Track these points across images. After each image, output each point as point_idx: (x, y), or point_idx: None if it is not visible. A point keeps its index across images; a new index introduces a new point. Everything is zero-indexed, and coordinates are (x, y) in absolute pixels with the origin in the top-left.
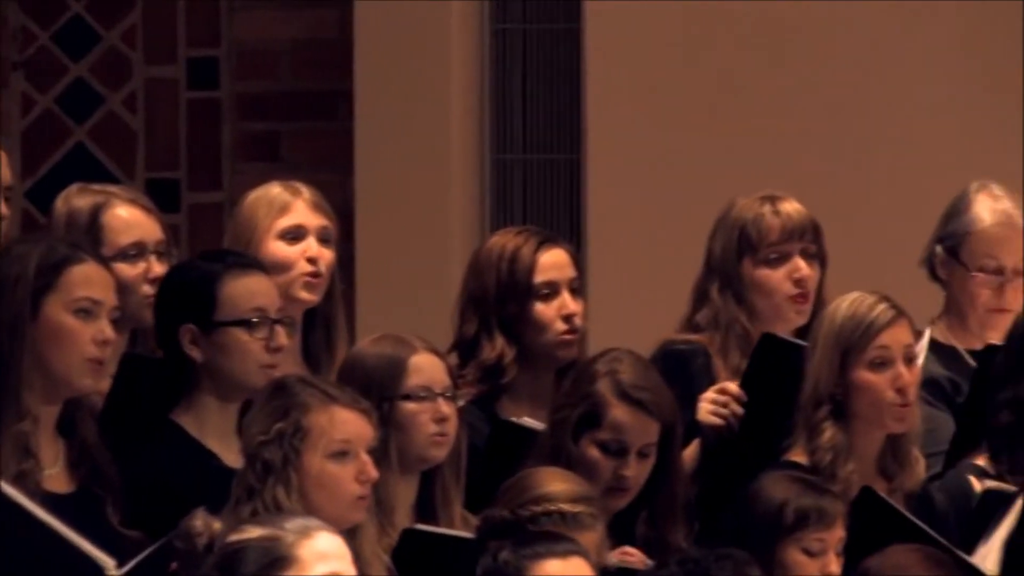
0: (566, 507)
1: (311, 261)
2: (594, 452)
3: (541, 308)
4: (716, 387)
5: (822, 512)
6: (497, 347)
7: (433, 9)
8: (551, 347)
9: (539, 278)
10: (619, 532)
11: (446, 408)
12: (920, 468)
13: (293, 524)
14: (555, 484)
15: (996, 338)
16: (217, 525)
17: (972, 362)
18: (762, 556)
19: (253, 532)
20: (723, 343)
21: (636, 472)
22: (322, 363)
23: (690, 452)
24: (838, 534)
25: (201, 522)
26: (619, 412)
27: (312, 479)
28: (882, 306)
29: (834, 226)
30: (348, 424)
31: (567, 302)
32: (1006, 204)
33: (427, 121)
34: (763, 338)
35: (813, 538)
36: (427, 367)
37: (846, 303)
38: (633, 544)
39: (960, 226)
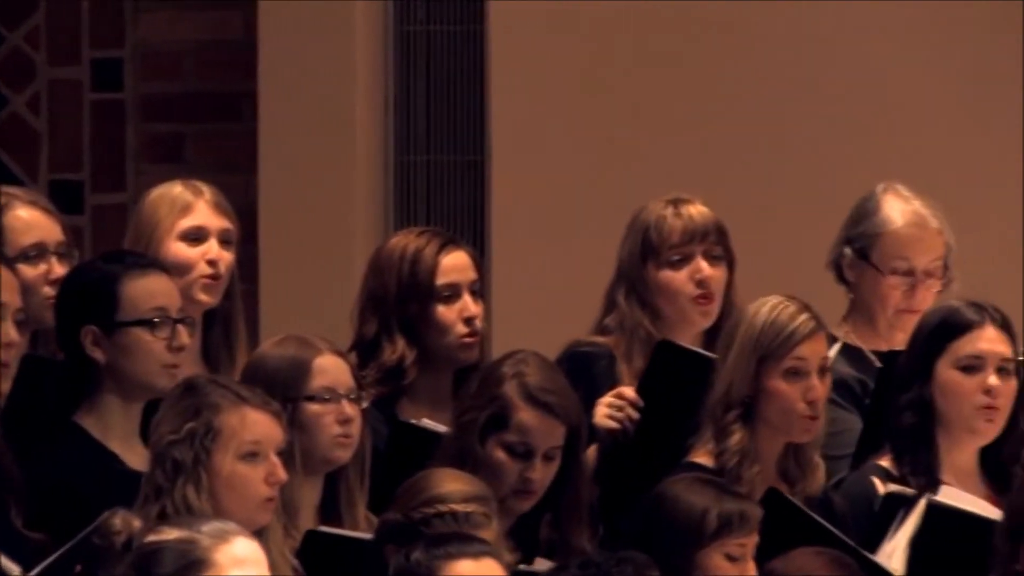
0: (458, 507)
1: (211, 263)
2: (500, 454)
3: (442, 310)
4: (613, 392)
5: (744, 517)
6: (397, 348)
7: (337, 11)
8: (452, 349)
9: (441, 280)
10: (523, 535)
11: (350, 410)
12: (821, 474)
13: (210, 528)
14: (448, 485)
15: (904, 339)
16: (136, 523)
17: (878, 363)
18: (679, 562)
19: (170, 534)
20: (627, 347)
21: (542, 475)
22: (222, 363)
23: (589, 455)
24: (755, 539)
25: (120, 520)
26: (525, 415)
27: (222, 480)
28: (803, 316)
29: (743, 228)
30: (259, 425)
31: (468, 304)
32: (916, 205)
33: (331, 122)
34: (660, 345)
35: (735, 543)
36: (331, 369)
37: (766, 308)
38: (536, 548)
39: (870, 227)
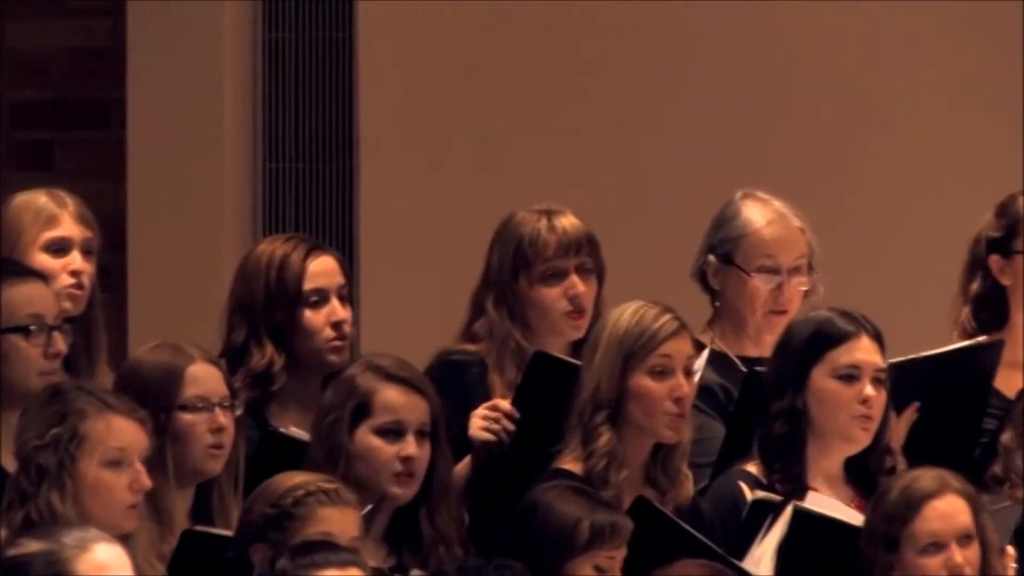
0: (325, 485)
1: (74, 274)
2: (373, 440)
3: (310, 315)
4: (488, 404)
5: (616, 529)
6: (266, 354)
7: (206, 18)
8: (320, 354)
9: (308, 285)
10: (401, 534)
11: (223, 418)
12: (689, 484)
13: (71, 537)
14: (301, 476)
15: (773, 342)
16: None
17: (743, 368)
18: (549, 571)
19: (31, 546)
20: (498, 357)
21: (418, 452)
22: (81, 371)
23: (462, 467)
24: (624, 552)
25: None
26: (388, 393)
27: (87, 486)
28: (666, 317)
29: (611, 236)
30: (125, 433)
31: (336, 309)
32: (776, 205)
33: (200, 130)
34: (535, 356)
35: (605, 555)
36: (204, 377)
37: (630, 311)
38: (420, 544)
39: (733, 231)
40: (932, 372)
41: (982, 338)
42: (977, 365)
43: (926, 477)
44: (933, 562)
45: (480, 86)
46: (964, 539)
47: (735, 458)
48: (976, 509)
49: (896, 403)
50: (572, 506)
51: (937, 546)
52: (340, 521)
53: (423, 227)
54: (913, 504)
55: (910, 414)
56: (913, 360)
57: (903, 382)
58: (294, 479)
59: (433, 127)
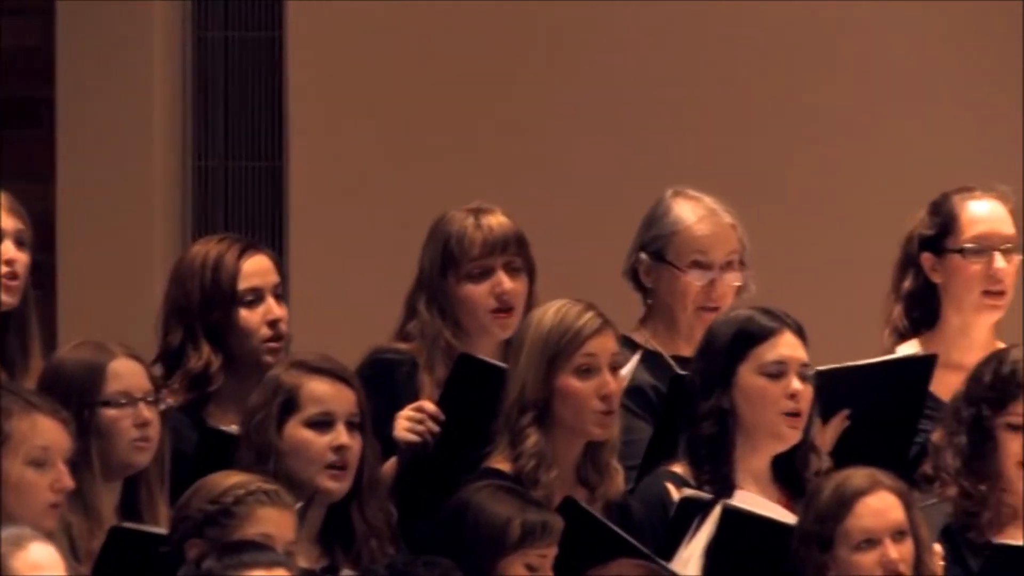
0: (265, 485)
1: (8, 263)
2: (303, 432)
3: (246, 315)
4: (413, 405)
5: (546, 528)
6: (203, 355)
7: (135, 17)
8: (257, 353)
9: (243, 285)
10: (334, 532)
11: (147, 413)
12: (619, 479)
13: (7, 534)
14: (240, 475)
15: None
16: None
17: (676, 368)
18: (480, 570)
19: None
20: (429, 356)
21: (351, 442)
22: (17, 366)
23: (388, 468)
24: (555, 550)
25: None
26: (314, 384)
27: (9, 485)
28: (589, 314)
29: (541, 235)
30: (48, 432)
31: (272, 307)
32: (707, 201)
33: (129, 129)
34: (460, 358)
35: (536, 554)
36: (126, 373)
37: (552, 310)
38: (352, 540)
39: (664, 228)
40: (863, 382)
41: (915, 352)
42: (910, 378)
43: (858, 475)
44: (867, 559)
45: (409, 85)
46: (897, 535)
47: (660, 460)
48: (908, 505)
49: (824, 410)
50: (503, 505)
51: (871, 543)
52: (278, 522)
53: (353, 226)
54: (845, 502)
55: (839, 422)
56: (842, 368)
57: (832, 389)
58: (234, 478)
59: (363, 126)
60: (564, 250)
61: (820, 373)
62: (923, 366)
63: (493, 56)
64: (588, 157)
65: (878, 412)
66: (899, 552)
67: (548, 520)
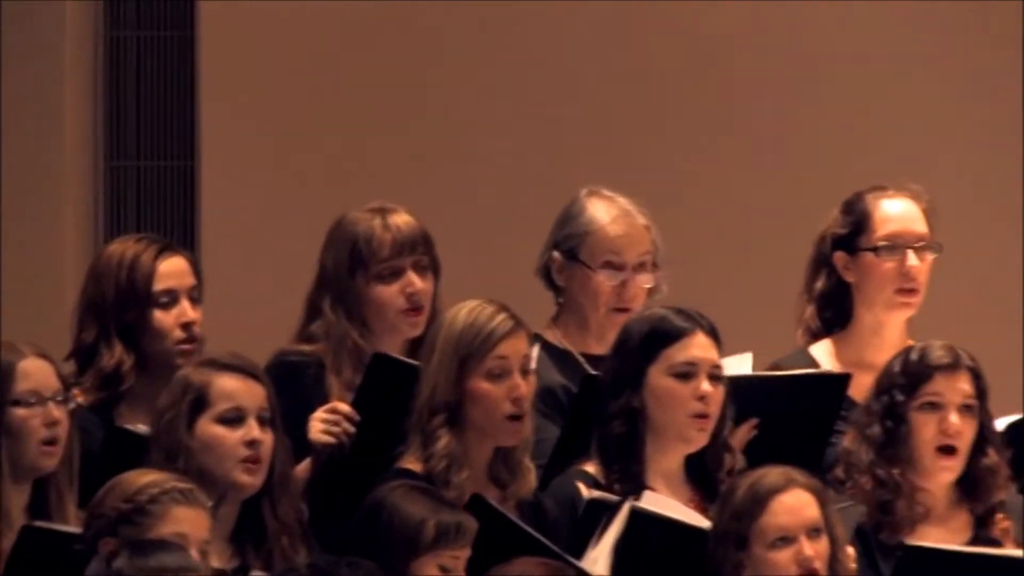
0: (180, 484)
1: None
2: (215, 429)
3: (160, 316)
4: (327, 407)
5: (460, 529)
6: (115, 354)
7: (47, 15)
8: (170, 355)
9: (158, 286)
10: (246, 530)
11: (56, 412)
12: (531, 477)
13: None
14: (156, 474)
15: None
16: None
17: (587, 366)
18: (394, 570)
19: None
20: (335, 357)
21: (263, 436)
22: None
23: (302, 469)
24: (468, 552)
25: None
26: (224, 381)
27: None
28: (501, 316)
29: (448, 235)
30: None
31: (186, 310)
32: (621, 202)
33: (41, 128)
34: (374, 358)
35: (449, 555)
36: (35, 372)
37: (464, 311)
38: (263, 537)
39: (578, 227)
40: (775, 393)
41: (830, 370)
42: (822, 394)
43: (772, 473)
44: (783, 556)
45: (320, 85)
46: (813, 532)
47: (571, 459)
48: (823, 503)
49: (735, 416)
50: (417, 506)
51: (786, 540)
52: (192, 521)
53: (265, 226)
54: (760, 500)
55: (747, 430)
56: (756, 377)
57: (743, 397)
58: (149, 476)
59: (274, 126)
60: (477, 248)
61: (732, 380)
62: (837, 384)
63: (403, 57)
64: (501, 155)
65: (788, 425)
66: (814, 549)
67: (462, 521)
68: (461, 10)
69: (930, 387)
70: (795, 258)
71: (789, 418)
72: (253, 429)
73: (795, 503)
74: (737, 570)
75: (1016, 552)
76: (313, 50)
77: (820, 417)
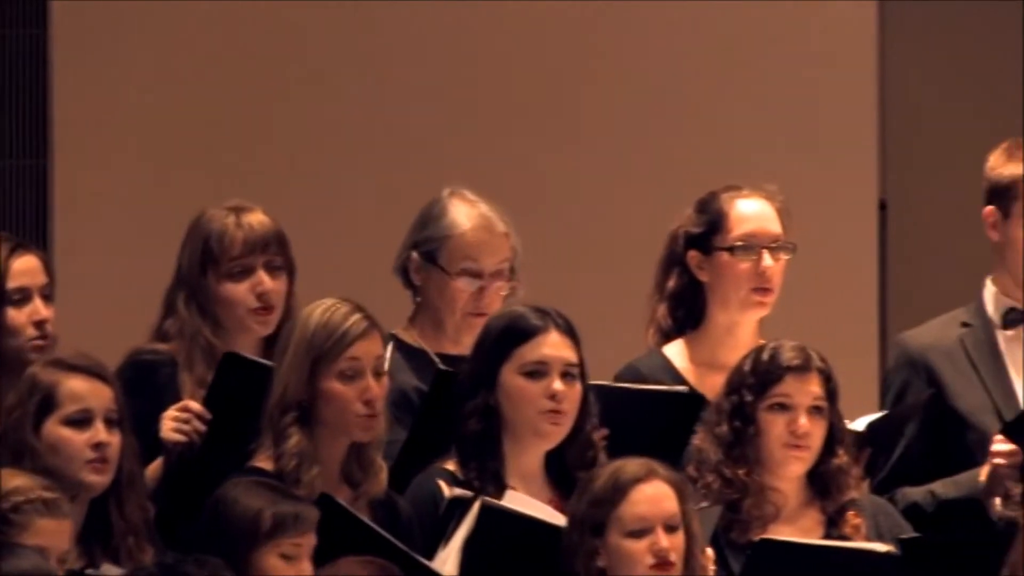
0: (46, 494)
1: None
2: (62, 431)
3: (13, 314)
4: (179, 405)
5: (298, 518)
6: None
7: None
8: (22, 352)
9: (11, 284)
10: (94, 529)
11: None
12: (384, 476)
13: None
14: (19, 479)
15: (471, 343)
16: None
17: (442, 366)
18: (237, 562)
19: None
20: (188, 355)
21: (110, 438)
22: None
23: (154, 468)
24: (312, 540)
25: None
26: (72, 383)
27: None
28: (355, 317)
29: (305, 234)
30: None
31: (39, 308)
32: (482, 208)
33: None
34: (225, 357)
35: (290, 543)
36: None
37: (319, 311)
38: (110, 536)
39: (438, 231)
40: (627, 406)
41: (683, 388)
42: (675, 412)
43: (634, 464)
44: (638, 546)
45: (173, 85)
46: (670, 526)
47: (420, 455)
48: (683, 499)
49: None
50: (255, 498)
51: (643, 530)
52: (54, 533)
53: (119, 226)
54: (620, 488)
55: (597, 440)
56: (607, 387)
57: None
58: (15, 481)
59: (128, 125)
60: (334, 244)
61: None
62: (692, 404)
63: (259, 56)
64: (360, 154)
65: (638, 439)
66: (671, 542)
67: (300, 511)
68: (321, 11)
69: (780, 388)
70: (652, 258)
71: (640, 432)
72: (100, 432)
73: (655, 494)
74: (591, 557)
75: (866, 544)
76: (166, 50)
77: (672, 434)
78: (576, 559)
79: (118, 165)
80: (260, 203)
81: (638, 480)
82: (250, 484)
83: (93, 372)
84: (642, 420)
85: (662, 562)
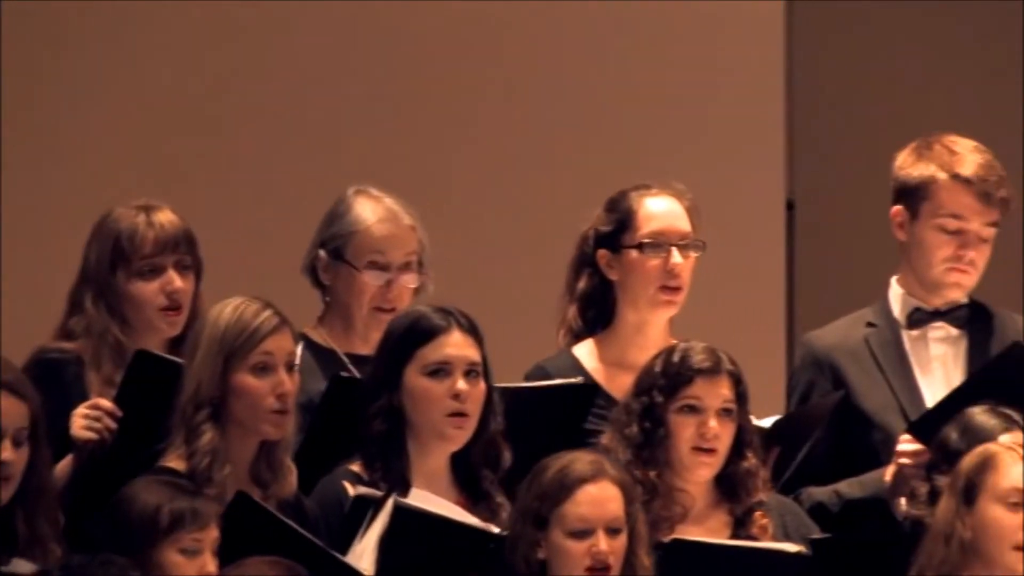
0: None
1: None
2: None
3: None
4: (89, 403)
5: (196, 513)
6: None
7: None
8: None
9: None
10: (3, 536)
11: None
12: (292, 478)
13: None
14: None
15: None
16: None
17: (351, 367)
18: (139, 559)
19: None
20: (96, 353)
21: (13, 457)
22: None
23: (63, 466)
24: (213, 534)
25: None
26: None
27: None
28: (267, 313)
29: (212, 234)
30: None
31: None
32: (388, 202)
33: None
34: (137, 355)
35: (189, 538)
36: None
37: (230, 308)
38: (15, 547)
39: (344, 227)
40: (518, 406)
41: (578, 379)
42: (568, 404)
43: (584, 460)
44: (578, 547)
45: (77, 81)
46: (612, 529)
47: (316, 461)
48: (630, 500)
49: None
50: (154, 495)
51: (584, 531)
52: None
53: (20, 223)
54: (567, 486)
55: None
56: (505, 388)
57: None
58: None
59: (30, 122)
60: (242, 246)
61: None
62: (586, 394)
63: (164, 53)
64: (267, 154)
65: (537, 436)
66: (610, 545)
67: (198, 506)
68: (216, 10)
69: (690, 391)
70: (563, 258)
71: (541, 429)
72: (6, 450)
73: (600, 496)
74: (532, 548)
75: (778, 544)
76: (74, 45)
77: (570, 426)
78: (517, 548)
79: (20, 162)
80: (165, 202)
81: (584, 480)
82: (149, 481)
83: (10, 388)
84: (541, 416)
85: (599, 566)
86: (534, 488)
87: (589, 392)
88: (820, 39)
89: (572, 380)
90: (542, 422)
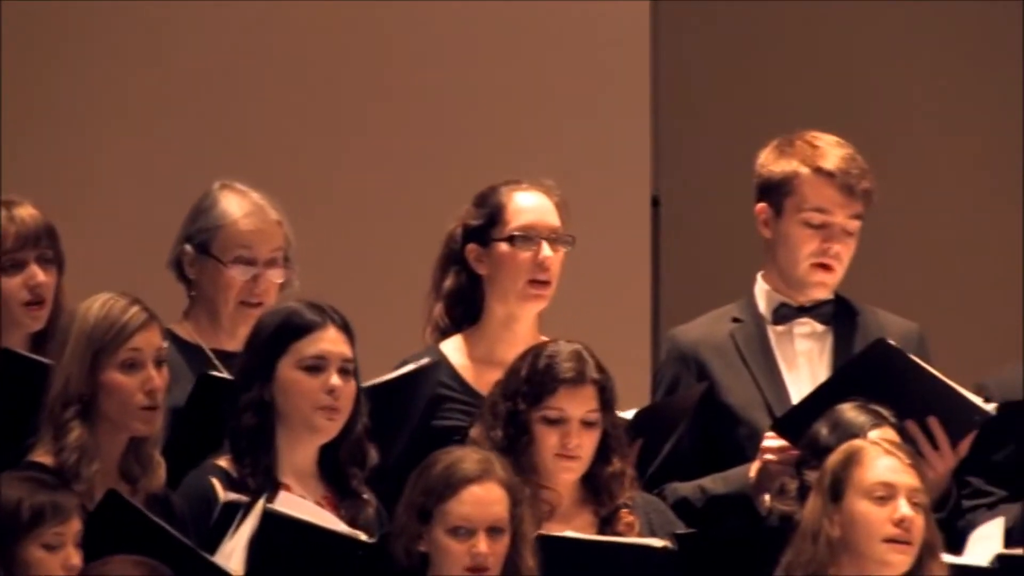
0: None
1: None
2: None
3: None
4: None
5: (57, 507)
6: None
7: None
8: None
9: None
10: None
11: None
12: (161, 472)
13: None
14: None
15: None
16: None
17: (217, 363)
18: (3, 556)
19: None
20: None
21: None
22: None
23: None
24: (75, 527)
25: None
26: None
27: None
28: (134, 309)
29: (75, 228)
30: None
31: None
32: (254, 197)
33: None
34: (1, 353)
35: (51, 533)
36: None
37: (97, 304)
38: None
39: (210, 221)
40: (380, 399)
41: (425, 360)
42: (418, 388)
43: (472, 459)
44: (458, 547)
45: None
46: (494, 530)
47: (181, 458)
48: (515, 501)
49: None
50: (14, 491)
51: (466, 531)
52: None
53: None
54: (452, 484)
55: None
56: (369, 386)
57: None
58: None
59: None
60: (106, 240)
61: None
62: (430, 375)
63: (41, 48)
64: (134, 147)
65: (401, 425)
66: (490, 547)
67: (58, 500)
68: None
69: (553, 401)
70: (430, 256)
71: (402, 418)
72: None
73: (484, 497)
74: (414, 541)
75: (644, 540)
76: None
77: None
78: (400, 539)
79: None
80: (30, 197)
81: (470, 480)
82: (11, 477)
83: None
84: (402, 405)
85: (477, 567)
86: (421, 482)
87: (431, 370)
88: (685, 38)
89: (423, 362)
90: (406, 410)
